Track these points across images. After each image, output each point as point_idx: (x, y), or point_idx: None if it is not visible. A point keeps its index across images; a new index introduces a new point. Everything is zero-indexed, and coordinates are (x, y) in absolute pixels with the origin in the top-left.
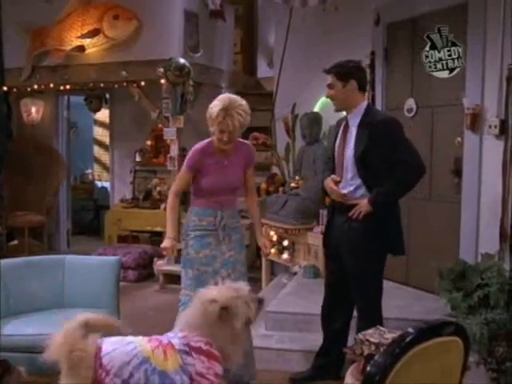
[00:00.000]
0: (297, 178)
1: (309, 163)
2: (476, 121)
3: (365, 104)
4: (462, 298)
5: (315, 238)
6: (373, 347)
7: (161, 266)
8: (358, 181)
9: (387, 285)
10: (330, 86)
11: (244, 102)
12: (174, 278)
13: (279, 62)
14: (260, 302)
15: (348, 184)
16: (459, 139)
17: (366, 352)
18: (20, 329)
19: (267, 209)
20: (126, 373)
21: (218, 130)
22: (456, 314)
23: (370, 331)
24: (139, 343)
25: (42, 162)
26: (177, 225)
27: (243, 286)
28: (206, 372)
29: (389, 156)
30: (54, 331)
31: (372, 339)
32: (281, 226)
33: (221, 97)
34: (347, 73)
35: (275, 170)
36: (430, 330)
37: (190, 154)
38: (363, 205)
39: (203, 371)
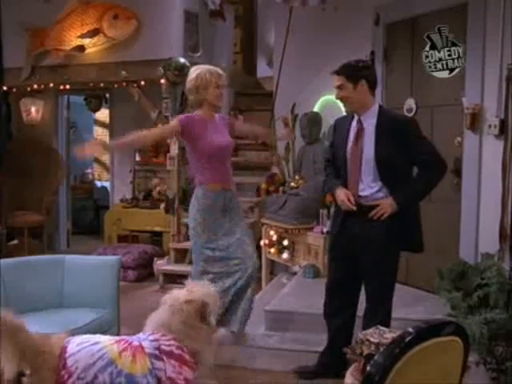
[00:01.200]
0: (296, 177)
1: (309, 163)
2: (476, 120)
3: (377, 104)
4: (461, 297)
5: (315, 237)
6: (373, 347)
7: (161, 265)
8: (380, 183)
9: None
10: (340, 87)
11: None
12: (173, 278)
13: (279, 62)
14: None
15: (369, 186)
16: (459, 139)
17: (365, 352)
18: None
19: (267, 208)
20: (90, 375)
21: (216, 86)
22: (456, 314)
23: (370, 331)
24: (106, 344)
25: (41, 162)
26: None
27: (206, 284)
28: (176, 377)
29: (413, 155)
30: (53, 331)
31: (372, 339)
32: (281, 226)
33: (194, 67)
34: (357, 73)
35: (275, 169)
36: (429, 330)
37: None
38: (387, 205)
39: (173, 376)
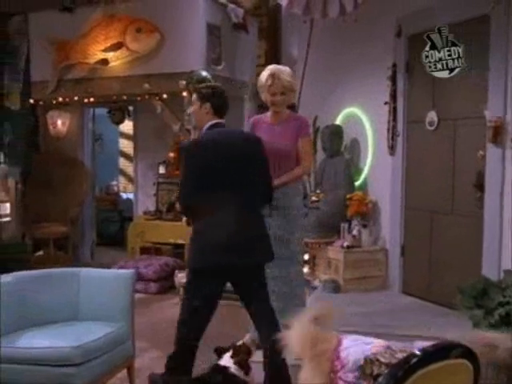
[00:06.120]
0: (318, 191)
1: (330, 176)
2: (498, 133)
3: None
4: (483, 315)
5: (335, 252)
6: (383, 367)
7: (182, 278)
8: None
9: (406, 300)
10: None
11: (288, 68)
12: None
13: (301, 75)
14: None
15: None
16: (481, 152)
17: (375, 372)
18: (34, 341)
19: None
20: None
21: (269, 93)
22: None
23: (381, 350)
24: (376, 346)
25: (67, 174)
26: None
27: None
28: None
29: None
30: (68, 344)
31: (382, 359)
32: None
33: (268, 67)
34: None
35: None
36: (436, 353)
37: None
38: None
39: None
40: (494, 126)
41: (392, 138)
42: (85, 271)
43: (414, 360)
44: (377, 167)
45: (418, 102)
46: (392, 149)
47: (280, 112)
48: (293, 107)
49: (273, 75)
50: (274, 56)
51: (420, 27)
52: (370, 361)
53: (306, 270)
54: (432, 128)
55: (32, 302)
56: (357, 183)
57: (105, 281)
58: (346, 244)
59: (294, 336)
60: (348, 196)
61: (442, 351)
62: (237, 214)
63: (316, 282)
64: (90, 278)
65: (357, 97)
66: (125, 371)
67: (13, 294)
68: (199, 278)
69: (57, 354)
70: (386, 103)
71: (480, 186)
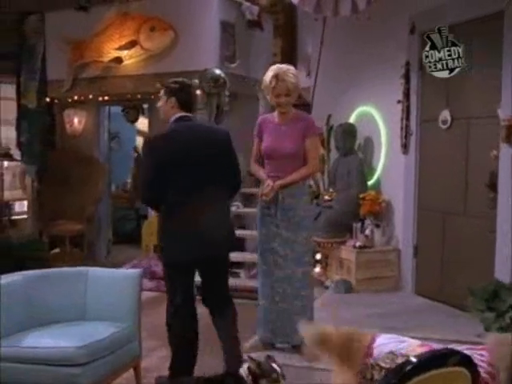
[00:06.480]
0: (330, 190)
1: (343, 175)
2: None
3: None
4: (494, 318)
5: (348, 251)
6: (383, 372)
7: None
8: None
9: (418, 301)
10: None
11: (292, 67)
12: None
13: (314, 73)
14: None
15: None
16: (495, 152)
17: (376, 377)
18: (39, 341)
19: None
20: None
21: (274, 95)
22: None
23: (383, 355)
24: (411, 344)
25: (83, 171)
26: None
27: None
28: None
29: None
30: (72, 344)
31: (383, 364)
32: (313, 239)
33: (271, 67)
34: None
35: (310, 181)
36: (432, 360)
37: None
38: None
39: None
40: (507, 125)
41: (405, 136)
42: (92, 271)
43: (409, 367)
44: (390, 166)
45: (432, 101)
46: (405, 148)
47: (286, 112)
48: (307, 106)
49: (276, 76)
50: (290, 54)
51: (434, 24)
52: (370, 366)
53: (317, 269)
54: (445, 127)
55: (39, 302)
56: (370, 182)
57: (112, 280)
58: (358, 244)
59: (328, 335)
60: (361, 195)
61: (438, 359)
62: (200, 206)
63: (328, 282)
64: (98, 278)
65: (370, 95)
66: (132, 371)
67: (20, 294)
68: (176, 271)
69: (61, 354)
70: (399, 102)
71: (493, 186)
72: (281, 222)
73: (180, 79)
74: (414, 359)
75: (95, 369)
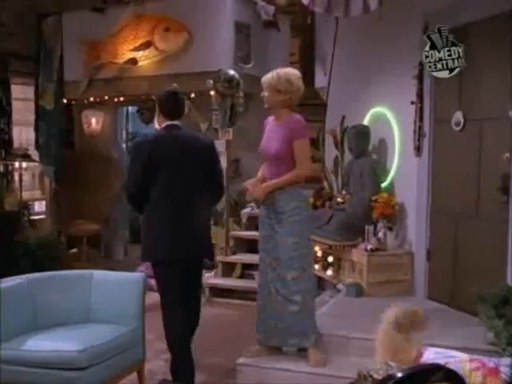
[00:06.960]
0: (344, 192)
1: (356, 177)
2: None
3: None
4: (503, 326)
5: (359, 254)
6: None
7: (208, 279)
8: None
9: (429, 306)
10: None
11: (290, 69)
12: (220, 292)
13: (329, 73)
14: None
15: None
16: (507, 155)
17: None
18: (40, 344)
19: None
20: None
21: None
22: (497, 343)
23: (377, 366)
24: (461, 359)
25: (100, 172)
26: None
27: None
28: None
29: None
30: (73, 348)
31: (376, 375)
32: (325, 242)
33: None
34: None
35: (324, 183)
36: (416, 375)
37: None
38: None
39: None
40: None
41: (418, 138)
42: (97, 273)
43: (391, 382)
44: (403, 168)
45: (445, 102)
46: (418, 150)
47: (274, 111)
48: (325, 106)
49: (269, 74)
50: (307, 53)
51: (448, 24)
52: (363, 376)
53: (330, 272)
54: (458, 129)
55: (44, 305)
56: (383, 184)
57: (117, 283)
58: (369, 247)
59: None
60: (373, 198)
61: (421, 374)
62: (180, 207)
63: (340, 285)
64: (102, 281)
65: (384, 96)
66: (135, 374)
67: (25, 297)
68: (163, 269)
69: (61, 357)
70: (412, 103)
71: (505, 190)
72: (275, 224)
73: (169, 88)
74: (399, 374)
75: (96, 372)
